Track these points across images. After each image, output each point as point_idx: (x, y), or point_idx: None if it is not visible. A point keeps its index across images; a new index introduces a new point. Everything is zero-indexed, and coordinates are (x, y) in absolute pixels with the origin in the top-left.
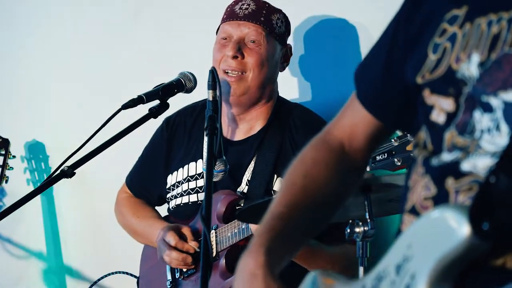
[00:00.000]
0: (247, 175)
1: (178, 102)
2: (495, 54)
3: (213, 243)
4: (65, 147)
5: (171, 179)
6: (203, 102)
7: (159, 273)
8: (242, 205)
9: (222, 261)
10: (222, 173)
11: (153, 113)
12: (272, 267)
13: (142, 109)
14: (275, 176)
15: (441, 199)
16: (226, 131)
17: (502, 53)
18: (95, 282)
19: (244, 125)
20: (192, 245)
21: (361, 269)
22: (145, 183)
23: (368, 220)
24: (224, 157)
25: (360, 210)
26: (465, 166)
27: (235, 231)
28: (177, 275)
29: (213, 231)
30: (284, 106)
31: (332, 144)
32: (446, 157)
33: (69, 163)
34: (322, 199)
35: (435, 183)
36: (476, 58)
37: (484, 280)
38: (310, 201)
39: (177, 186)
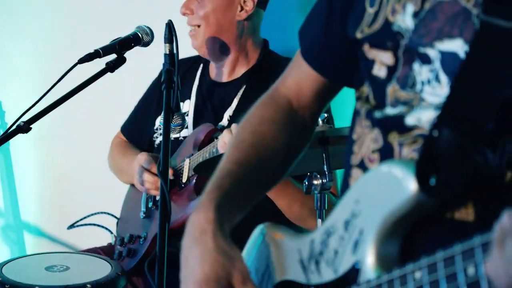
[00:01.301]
0: (229, 112)
1: (135, 56)
2: (428, 3)
3: (186, 170)
4: (21, 102)
5: (158, 120)
6: (198, 56)
7: (136, 209)
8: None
9: (192, 183)
10: (179, 127)
11: (110, 67)
12: (221, 224)
13: (100, 63)
14: None
15: (386, 152)
16: (213, 74)
17: (435, 1)
18: (73, 225)
19: (226, 68)
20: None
21: (319, 221)
22: (139, 128)
23: (326, 173)
24: (181, 111)
25: (318, 163)
26: (409, 120)
27: (206, 155)
28: (150, 204)
29: (187, 160)
30: (272, 56)
31: (280, 101)
32: (390, 111)
33: (25, 118)
34: (271, 156)
35: (382, 137)
36: (410, 8)
37: (433, 234)
38: (258, 159)
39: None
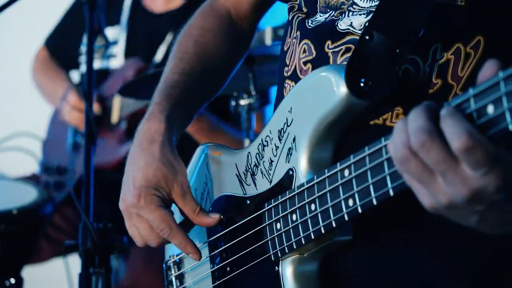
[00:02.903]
0: (164, 48)
1: None
2: None
3: (116, 109)
4: None
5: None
6: None
7: (63, 136)
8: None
9: (123, 126)
10: (103, 48)
11: None
12: (171, 135)
13: None
14: None
15: (320, 61)
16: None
17: None
18: None
19: None
20: (94, 107)
21: (246, 141)
22: (64, 43)
23: (253, 93)
24: (105, 33)
25: (245, 83)
26: (341, 25)
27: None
28: (79, 139)
29: (119, 97)
30: None
31: (219, 12)
32: (321, 18)
33: None
34: (214, 65)
35: (314, 46)
36: None
37: (366, 140)
38: (202, 68)
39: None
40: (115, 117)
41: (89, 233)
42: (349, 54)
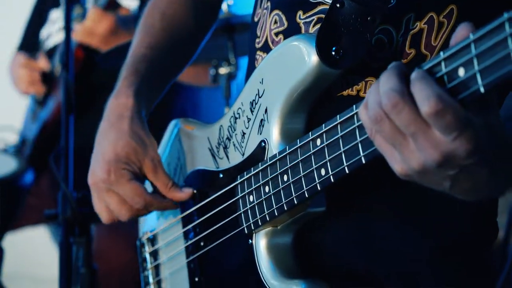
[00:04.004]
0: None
1: None
2: None
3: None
4: None
5: (45, 30)
6: None
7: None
8: None
9: None
10: (81, 17)
11: None
12: (140, 110)
13: None
14: None
15: (292, 32)
16: None
17: None
18: None
19: None
20: (41, 64)
21: (226, 109)
22: (34, 39)
23: (233, 61)
24: (82, 2)
25: (224, 51)
26: None
27: None
28: (35, 106)
29: None
30: None
31: None
32: None
33: None
34: (182, 38)
35: (286, 17)
36: None
37: (339, 110)
38: (170, 41)
39: (52, 26)
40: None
41: (69, 202)
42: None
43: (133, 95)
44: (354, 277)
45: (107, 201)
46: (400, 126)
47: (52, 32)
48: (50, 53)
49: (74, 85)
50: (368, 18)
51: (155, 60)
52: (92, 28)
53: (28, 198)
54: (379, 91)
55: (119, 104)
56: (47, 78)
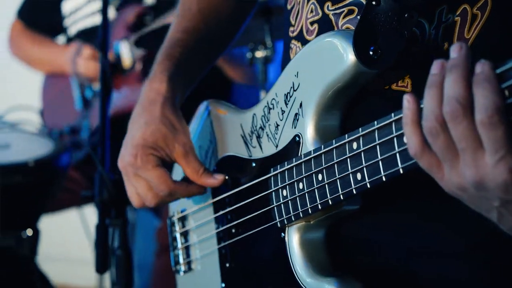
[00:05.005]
0: None
1: None
2: None
3: (126, 53)
4: None
5: (68, 4)
6: None
7: (65, 99)
8: (149, 16)
9: (138, 67)
10: (117, 0)
11: None
12: (172, 96)
13: None
14: None
15: (324, 22)
16: None
17: None
18: None
19: None
20: (111, 56)
21: (262, 93)
22: (38, 11)
23: (269, 44)
24: None
25: (261, 34)
26: None
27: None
28: (88, 94)
29: (124, 42)
30: None
31: None
32: None
33: None
34: (219, 22)
35: (320, 6)
36: None
37: (372, 105)
38: (206, 26)
39: (79, 10)
40: (127, 61)
41: (105, 184)
42: (351, 16)
43: (166, 80)
44: (387, 275)
45: (135, 185)
46: (455, 138)
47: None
48: (87, 34)
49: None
50: (406, 15)
51: (190, 44)
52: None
53: (64, 180)
54: (439, 96)
55: (152, 89)
56: (116, 70)
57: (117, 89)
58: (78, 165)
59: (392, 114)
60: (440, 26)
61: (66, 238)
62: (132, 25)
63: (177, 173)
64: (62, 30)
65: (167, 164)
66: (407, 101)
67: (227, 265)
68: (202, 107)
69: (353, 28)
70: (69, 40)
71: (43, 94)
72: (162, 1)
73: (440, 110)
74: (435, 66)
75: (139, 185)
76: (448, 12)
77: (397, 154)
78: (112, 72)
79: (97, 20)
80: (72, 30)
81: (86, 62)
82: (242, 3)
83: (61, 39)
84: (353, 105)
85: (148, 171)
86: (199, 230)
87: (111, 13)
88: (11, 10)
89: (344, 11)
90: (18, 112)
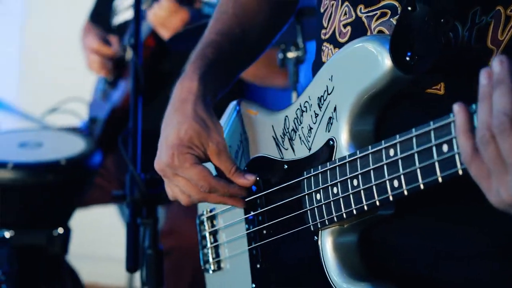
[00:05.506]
0: None
1: None
2: None
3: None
4: None
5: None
6: None
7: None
8: None
9: None
10: (149, 0)
11: None
12: (204, 94)
13: None
14: None
15: (357, 25)
16: None
17: None
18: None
19: None
20: (114, 48)
21: (293, 94)
22: (102, 13)
23: (301, 45)
24: None
25: (292, 35)
26: None
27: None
28: (105, 86)
29: None
30: None
31: None
32: None
33: None
34: (254, 27)
35: (353, 9)
36: None
37: (405, 108)
38: (241, 29)
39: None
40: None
41: (136, 184)
42: (384, 19)
43: (198, 79)
44: (415, 280)
45: (178, 184)
46: (503, 151)
47: (121, 7)
48: (120, 29)
49: (144, 71)
50: (442, 20)
51: (224, 46)
52: (165, 20)
53: (96, 178)
54: (490, 107)
55: (183, 88)
56: (119, 63)
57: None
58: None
59: (431, 123)
60: (474, 28)
61: (97, 237)
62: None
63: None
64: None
65: (202, 162)
66: (458, 111)
67: (258, 265)
68: (231, 107)
69: (386, 31)
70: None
71: (95, 87)
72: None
73: (491, 121)
74: (483, 76)
75: (181, 184)
76: (482, 14)
77: (436, 163)
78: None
79: (129, 14)
80: (115, 22)
81: (89, 55)
82: (279, 9)
83: None
84: (386, 108)
85: (186, 170)
86: (228, 229)
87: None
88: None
89: (377, 13)
90: (71, 104)
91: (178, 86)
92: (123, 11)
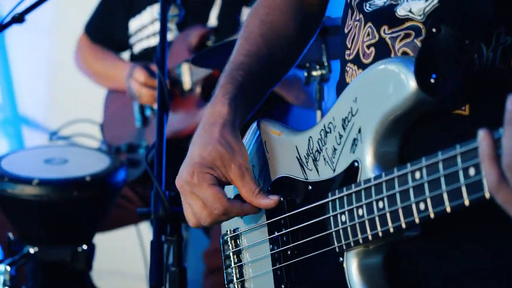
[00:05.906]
0: (215, 10)
1: None
2: None
3: (187, 75)
4: None
5: (135, 23)
6: None
7: (125, 115)
8: (212, 38)
9: (198, 90)
10: (176, 17)
11: None
12: (233, 118)
13: None
14: (244, 7)
15: (381, 46)
16: None
17: None
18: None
19: None
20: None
21: (318, 113)
22: (105, 28)
23: (325, 64)
24: (178, 1)
25: (317, 53)
26: (400, 11)
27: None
28: (148, 112)
29: (185, 65)
30: None
31: None
32: (380, 2)
33: (20, 10)
34: (281, 46)
35: (376, 30)
36: None
37: (430, 129)
38: (268, 49)
39: (144, 28)
40: (187, 84)
41: (161, 201)
42: (408, 40)
43: (228, 103)
44: None
45: (191, 203)
46: None
47: (144, 32)
48: (145, 55)
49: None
50: (466, 41)
51: (253, 68)
52: None
53: (119, 197)
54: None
55: (213, 112)
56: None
57: (173, 111)
58: (133, 183)
59: (458, 146)
60: (498, 48)
61: (121, 253)
62: (195, 47)
63: (228, 193)
64: (128, 47)
65: (222, 184)
66: (483, 138)
67: (283, 286)
68: (254, 126)
69: (410, 52)
70: (133, 58)
71: (104, 108)
72: (225, 24)
73: None
74: (510, 102)
75: (195, 203)
76: (506, 34)
77: (463, 187)
78: (171, 93)
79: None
80: (137, 48)
81: (140, 88)
82: (305, 25)
83: (125, 55)
84: (410, 130)
85: (203, 189)
86: (252, 249)
87: (172, 32)
88: (80, 24)
89: (400, 34)
90: (76, 125)
91: (209, 109)
92: (148, 36)
